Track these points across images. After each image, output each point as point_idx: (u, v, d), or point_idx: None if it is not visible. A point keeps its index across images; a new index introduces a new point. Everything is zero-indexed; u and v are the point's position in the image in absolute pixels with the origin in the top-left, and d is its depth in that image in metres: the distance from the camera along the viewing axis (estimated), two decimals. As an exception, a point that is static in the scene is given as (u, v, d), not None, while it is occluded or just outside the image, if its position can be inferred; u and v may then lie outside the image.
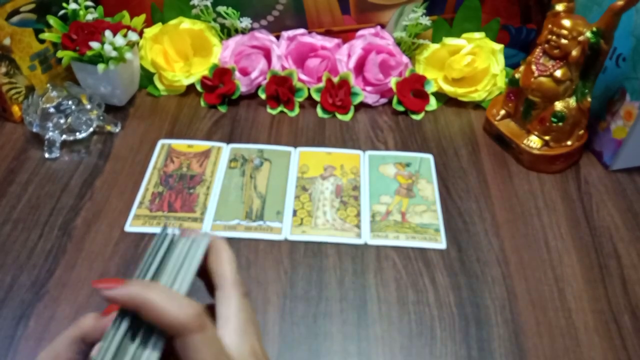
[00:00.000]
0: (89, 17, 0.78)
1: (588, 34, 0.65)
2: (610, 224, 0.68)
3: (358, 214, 0.68)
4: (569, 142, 0.73)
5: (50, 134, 0.73)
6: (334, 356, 0.54)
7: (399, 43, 0.86)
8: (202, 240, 0.35)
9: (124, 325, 0.32)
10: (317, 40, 0.85)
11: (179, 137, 0.78)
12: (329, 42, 0.85)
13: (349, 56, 0.84)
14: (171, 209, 0.68)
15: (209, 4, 0.83)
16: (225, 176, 0.72)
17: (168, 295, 0.32)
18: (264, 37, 0.85)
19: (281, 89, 0.82)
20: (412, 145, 0.78)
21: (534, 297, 0.60)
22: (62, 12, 0.77)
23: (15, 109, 0.79)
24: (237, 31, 0.87)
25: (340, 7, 0.86)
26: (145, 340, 0.32)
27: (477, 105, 0.85)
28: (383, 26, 0.87)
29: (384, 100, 0.85)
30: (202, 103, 0.84)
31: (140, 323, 0.32)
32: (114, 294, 0.31)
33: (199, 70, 0.85)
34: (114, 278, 0.32)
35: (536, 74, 0.70)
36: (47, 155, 0.74)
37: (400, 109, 0.83)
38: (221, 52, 0.85)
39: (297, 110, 0.83)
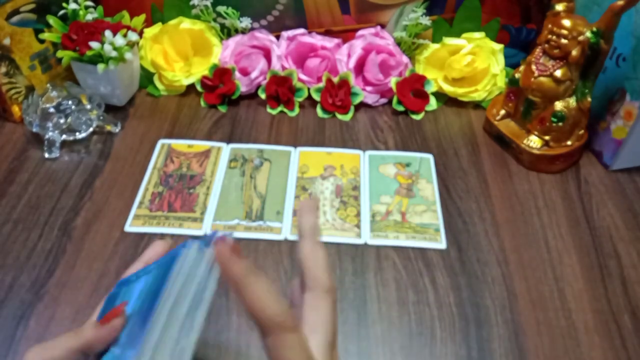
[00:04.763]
0: (89, 17, 0.78)
1: (588, 34, 0.65)
2: (610, 224, 0.68)
3: (358, 214, 0.68)
4: (569, 142, 0.73)
5: (50, 133, 0.73)
6: (334, 356, 0.54)
7: (399, 43, 0.86)
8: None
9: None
10: (317, 40, 0.85)
11: (179, 137, 0.78)
12: (329, 42, 0.85)
13: (349, 56, 0.84)
14: (171, 209, 0.68)
15: (209, 4, 0.83)
16: (225, 176, 0.72)
17: (268, 289, 0.30)
18: (264, 37, 0.85)
19: (281, 89, 0.82)
20: (412, 145, 0.78)
21: (534, 297, 0.60)
22: (62, 12, 0.77)
23: (15, 109, 0.79)
24: (237, 31, 0.87)
25: (340, 7, 0.86)
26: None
27: (477, 105, 0.85)
28: (383, 26, 0.87)
29: (384, 100, 0.85)
30: (202, 103, 0.84)
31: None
32: (228, 265, 0.31)
33: (199, 70, 0.85)
34: (233, 242, 0.32)
35: (536, 73, 0.70)
36: (47, 155, 0.74)
37: (400, 109, 0.83)
38: (221, 52, 0.85)
39: (297, 110, 0.83)
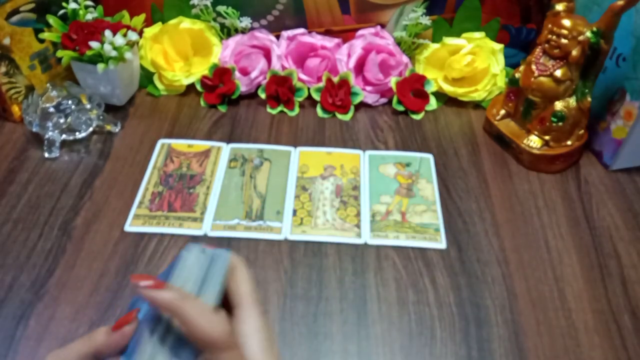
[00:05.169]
0: (89, 16, 0.78)
1: (588, 34, 0.65)
2: (610, 224, 0.68)
3: (358, 214, 0.68)
4: (569, 142, 0.73)
5: (50, 133, 0.73)
6: (334, 356, 0.54)
7: (399, 43, 0.86)
8: (221, 255, 0.36)
9: (159, 331, 0.33)
10: (317, 40, 0.85)
11: (178, 137, 0.78)
12: (329, 42, 0.85)
13: (349, 56, 0.84)
14: (171, 208, 0.68)
15: (208, 3, 0.83)
16: (225, 176, 0.72)
17: (202, 311, 0.33)
18: (264, 37, 0.85)
19: (281, 89, 0.82)
20: (412, 145, 0.78)
21: (534, 297, 0.60)
22: (61, 11, 0.77)
23: (15, 108, 0.79)
24: (237, 31, 0.87)
25: (340, 6, 0.86)
26: (177, 350, 0.32)
27: (477, 105, 0.85)
28: (383, 26, 0.87)
29: (384, 100, 0.85)
30: (202, 103, 0.84)
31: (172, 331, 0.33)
32: (154, 295, 0.32)
33: (199, 70, 0.85)
34: (153, 277, 0.34)
35: (536, 73, 0.70)
36: (47, 155, 0.74)
37: (400, 108, 0.83)
38: (221, 52, 0.85)
39: (297, 110, 0.83)
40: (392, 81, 0.82)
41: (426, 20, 0.82)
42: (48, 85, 0.75)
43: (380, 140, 0.79)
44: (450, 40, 0.83)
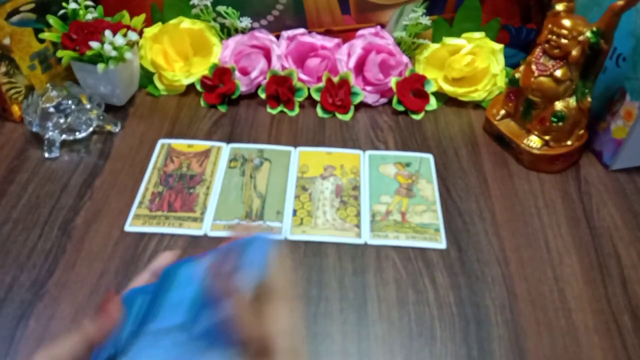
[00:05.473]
0: (89, 16, 0.78)
1: (588, 34, 0.65)
2: (610, 224, 0.68)
3: (358, 214, 0.68)
4: (569, 142, 0.73)
5: (50, 133, 0.73)
6: (334, 356, 0.54)
7: (399, 43, 0.86)
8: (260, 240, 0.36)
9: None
10: (317, 40, 0.85)
11: (178, 137, 0.78)
12: (329, 42, 0.85)
13: (349, 56, 0.84)
14: (171, 208, 0.68)
15: (208, 3, 0.83)
16: (225, 176, 0.72)
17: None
18: (264, 37, 0.85)
19: (281, 89, 0.82)
20: (412, 145, 0.78)
21: (534, 297, 0.60)
22: (62, 11, 0.77)
23: (15, 108, 0.79)
24: (237, 31, 0.87)
25: (340, 6, 0.86)
26: None
27: (477, 105, 0.85)
28: (383, 26, 0.87)
29: (384, 100, 0.85)
30: (202, 103, 0.84)
31: None
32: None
33: (199, 70, 0.85)
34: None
35: (536, 73, 0.70)
36: (46, 154, 0.74)
37: (400, 108, 0.83)
38: (221, 52, 0.85)
39: (297, 110, 0.83)
40: (392, 81, 0.82)
41: (426, 20, 0.82)
42: (48, 85, 0.75)
43: (380, 140, 0.79)
44: (450, 40, 0.83)
